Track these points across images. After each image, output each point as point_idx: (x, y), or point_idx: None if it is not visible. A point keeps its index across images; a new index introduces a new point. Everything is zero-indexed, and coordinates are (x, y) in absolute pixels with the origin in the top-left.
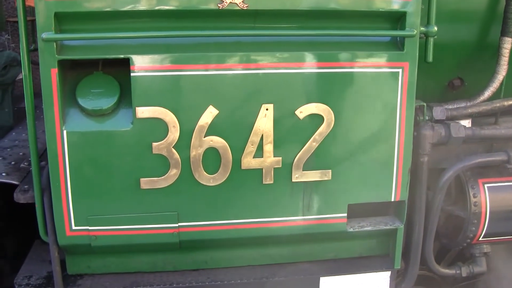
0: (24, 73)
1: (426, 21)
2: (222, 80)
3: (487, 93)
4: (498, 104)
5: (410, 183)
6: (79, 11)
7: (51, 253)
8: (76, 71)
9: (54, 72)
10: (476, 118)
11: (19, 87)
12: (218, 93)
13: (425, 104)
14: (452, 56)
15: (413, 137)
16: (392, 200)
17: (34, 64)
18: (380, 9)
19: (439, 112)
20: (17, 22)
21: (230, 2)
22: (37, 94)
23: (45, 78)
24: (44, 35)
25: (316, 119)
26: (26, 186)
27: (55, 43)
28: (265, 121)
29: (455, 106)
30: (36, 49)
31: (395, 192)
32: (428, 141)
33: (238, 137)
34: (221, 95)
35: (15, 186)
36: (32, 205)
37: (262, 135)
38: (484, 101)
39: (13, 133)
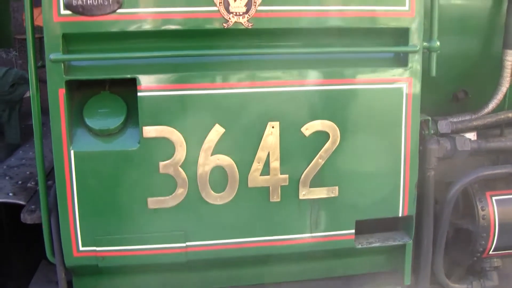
0: (32, 93)
1: (429, 36)
2: (228, 99)
3: (491, 105)
4: (502, 116)
5: (417, 198)
6: (87, 32)
7: (58, 274)
8: (83, 90)
9: (62, 92)
10: (482, 130)
11: (26, 104)
12: (225, 111)
13: (430, 118)
14: (455, 68)
15: (419, 151)
16: (400, 215)
17: (42, 81)
18: (383, 26)
19: (444, 125)
20: (24, 39)
21: (235, 22)
22: (45, 111)
23: (52, 98)
24: (52, 56)
25: (321, 136)
26: (33, 206)
27: (62, 64)
28: (271, 138)
29: (460, 119)
30: (43, 66)
31: (403, 207)
32: (434, 155)
33: (244, 155)
34: (227, 114)
35: (22, 206)
36: (39, 225)
37: (269, 152)
38: (489, 113)
39: (20, 152)
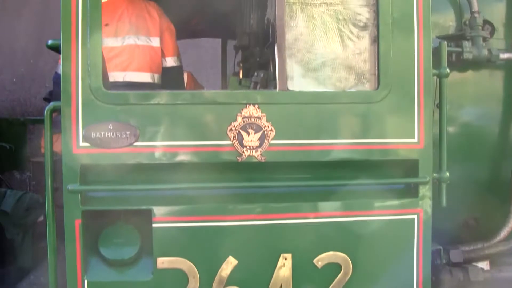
0: (48, 222)
1: (438, 166)
2: (241, 231)
3: (503, 233)
4: None
5: None
6: (104, 163)
7: None
8: (98, 219)
9: (78, 222)
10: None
11: (39, 227)
12: (238, 243)
13: (441, 247)
14: (466, 196)
15: (431, 282)
16: None
17: (57, 206)
18: (393, 158)
19: (456, 255)
20: (38, 162)
21: (249, 155)
22: (57, 233)
23: (69, 228)
24: (70, 187)
25: (334, 268)
26: None
27: (80, 194)
28: (284, 270)
29: (472, 247)
30: (57, 189)
31: None
32: (447, 286)
33: (257, 286)
34: (240, 246)
35: None
36: None
37: (281, 284)
38: (501, 241)
39: (31, 277)
